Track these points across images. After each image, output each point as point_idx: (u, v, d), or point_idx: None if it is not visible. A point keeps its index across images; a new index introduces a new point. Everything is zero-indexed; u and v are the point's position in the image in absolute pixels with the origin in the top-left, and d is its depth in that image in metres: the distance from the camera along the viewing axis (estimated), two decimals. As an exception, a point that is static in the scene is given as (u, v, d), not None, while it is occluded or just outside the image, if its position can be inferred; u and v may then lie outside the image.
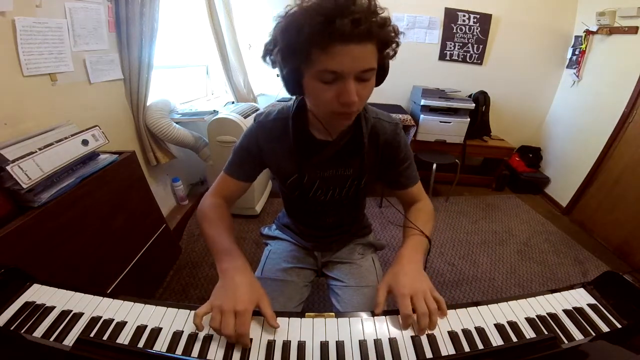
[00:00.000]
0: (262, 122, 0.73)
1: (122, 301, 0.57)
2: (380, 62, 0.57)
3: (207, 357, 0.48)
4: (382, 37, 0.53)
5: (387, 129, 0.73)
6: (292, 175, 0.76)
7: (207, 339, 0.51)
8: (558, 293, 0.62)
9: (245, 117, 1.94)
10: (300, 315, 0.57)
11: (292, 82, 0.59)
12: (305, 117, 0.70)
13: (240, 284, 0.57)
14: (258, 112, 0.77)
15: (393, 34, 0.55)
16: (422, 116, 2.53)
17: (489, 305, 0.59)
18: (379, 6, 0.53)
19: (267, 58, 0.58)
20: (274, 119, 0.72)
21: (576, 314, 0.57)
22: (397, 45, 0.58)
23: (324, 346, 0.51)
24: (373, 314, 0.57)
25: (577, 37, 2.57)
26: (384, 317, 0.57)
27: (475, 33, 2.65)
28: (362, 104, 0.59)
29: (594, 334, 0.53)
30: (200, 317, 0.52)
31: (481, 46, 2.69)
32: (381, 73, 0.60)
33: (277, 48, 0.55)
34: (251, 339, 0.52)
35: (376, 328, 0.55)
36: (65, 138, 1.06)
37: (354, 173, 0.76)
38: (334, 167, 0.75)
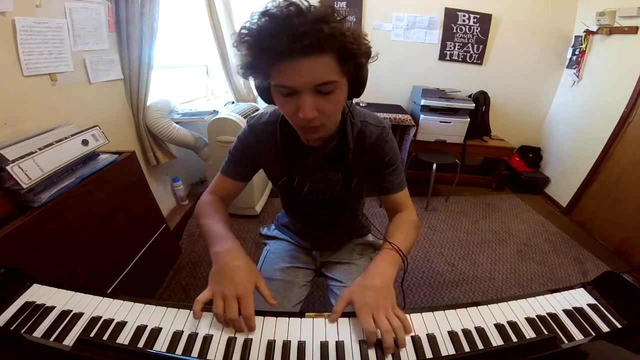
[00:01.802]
0: (253, 125, 0.74)
1: (122, 301, 0.57)
2: (346, 74, 0.54)
3: (207, 357, 0.48)
4: (340, 48, 0.49)
5: (373, 132, 0.72)
6: (282, 177, 0.77)
7: (207, 339, 0.51)
8: (558, 293, 0.62)
9: (245, 117, 1.94)
10: (300, 315, 0.57)
11: (262, 92, 0.59)
12: None
13: (237, 267, 0.58)
14: (250, 115, 0.77)
15: (353, 44, 0.50)
16: (422, 116, 2.53)
17: (489, 305, 0.58)
18: (338, 14, 0.50)
19: (239, 70, 0.57)
20: (265, 122, 0.73)
21: (576, 314, 0.57)
22: (365, 55, 0.54)
23: (324, 346, 0.50)
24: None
25: (577, 37, 2.57)
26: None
27: (475, 33, 2.64)
28: (328, 119, 0.57)
29: (594, 334, 0.53)
30: (200, 304, 0.54)
31: (481, 46, 2.69)
32: (356, 84, 0.58)
33: (240, 63, 0.55)
34: (251, 339, 0.52)
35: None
36: (65, 138, 1.06)
37: (342, 177, 0.76)
38: (322, 171, 0.75)
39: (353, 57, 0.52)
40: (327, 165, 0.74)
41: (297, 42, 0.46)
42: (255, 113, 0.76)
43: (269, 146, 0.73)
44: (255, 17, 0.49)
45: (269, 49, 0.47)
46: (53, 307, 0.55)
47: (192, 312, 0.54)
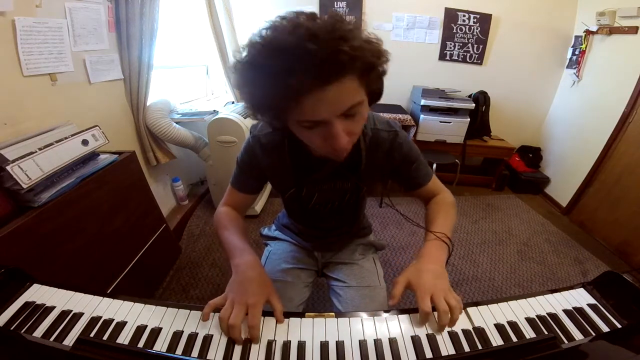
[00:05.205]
0: (257, 136, 0.70)
1: (122, 301, 0.57)
2: (368, 87, 0.50)
3: (207, 357, 0.48)
4: (362, 65, 0.45)
5: (385, 139, 0.71)
6: (289, 189, 0.76)
7: (207, 339, 0.51)
8: (558, 293, 0.62)
9: (245, 117, 1.94)
10: (301, 315, 0.57)
11: (275, 127, 0.57)
12: None
13: (253, 278, 0.60)
14: (253, 124, 0.74)
15: (374, 56, 0.47)
16: (422, 116, 2.53)
17: (489, 305, 0.59)
18: (347, 26, 0.43)
19: (246, 111, 0.55)
20: (270, 132, 0.69)
21: (576, 314, 0.57)
22: (384, 62, 0.50)
23: (324, 346, 0.50)
24: (386, 310, 0.58)
25: (577, 37, 2.57)
26: (383, 317, 0.57)
27: (475, 33, 2.65)
28: (355, 138, 0.54)
29: (594, 334, 0.53)
30: (211, 307, 0.54)
31: (481, 46, 2.69)
32: (375, 95, 0.55)
33: (244, 102, 0.51)
34: (251, 339, 0.52)
35: (376, 328, 0.55)
36: (65, 138, 1.06)
37: (352, 186, 0.76)
38: (332, 181, 0.75)
39: (375, 70, 0.49)
40: (337, 175, 0.73)
41: (318, 73, 0.40)
42: (256, 123, 0.72)
43: (276, 158, 0.70)
44: (256, 48, 0.43)
45: (285, 88, 0.41)
46: (53, 307, 0.55)
47: (201, 313, 0.55)
